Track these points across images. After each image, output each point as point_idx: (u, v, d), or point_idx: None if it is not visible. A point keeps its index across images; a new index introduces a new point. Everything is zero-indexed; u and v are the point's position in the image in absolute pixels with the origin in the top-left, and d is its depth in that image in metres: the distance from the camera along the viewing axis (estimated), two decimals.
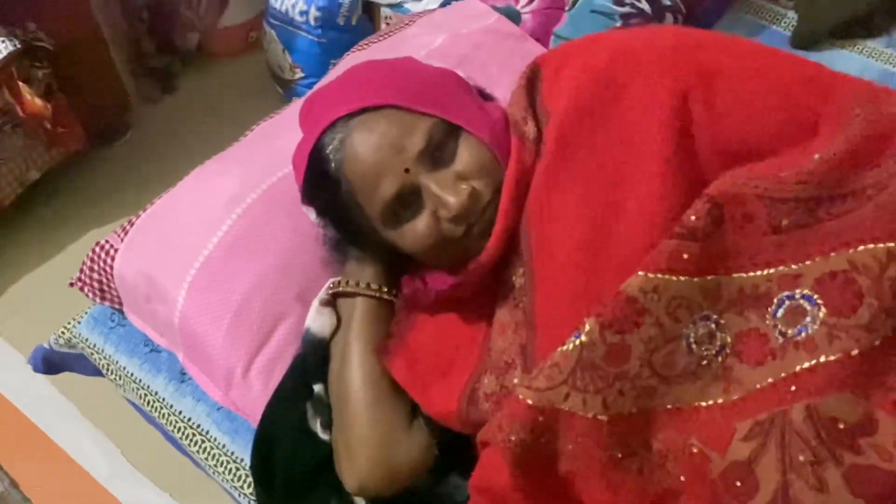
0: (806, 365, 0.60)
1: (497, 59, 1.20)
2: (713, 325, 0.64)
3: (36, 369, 1.17)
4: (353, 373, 0.83)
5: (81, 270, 1.08)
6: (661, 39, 0.78)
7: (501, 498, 0.69)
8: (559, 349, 0.65)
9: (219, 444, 1.00)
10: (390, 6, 1.94)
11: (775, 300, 0.63)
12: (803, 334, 0.61)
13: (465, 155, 0.77)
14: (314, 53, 2.03)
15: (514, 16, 1.36)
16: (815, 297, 0.61)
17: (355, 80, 0.83)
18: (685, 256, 0.64)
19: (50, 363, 1.17)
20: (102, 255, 1.04)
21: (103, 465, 1.60)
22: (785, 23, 1.55)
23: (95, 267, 1.05)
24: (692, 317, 0.64)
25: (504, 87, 0.91)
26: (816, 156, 0.64)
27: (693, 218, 0.65)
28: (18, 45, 1.60)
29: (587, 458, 0.66)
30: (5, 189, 1.87)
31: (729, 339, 0.64)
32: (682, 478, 0.64)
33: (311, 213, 0.97)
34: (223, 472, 0.99)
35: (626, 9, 1.31)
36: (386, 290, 0.86)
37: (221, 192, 1.02)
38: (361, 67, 0.87)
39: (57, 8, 1.79)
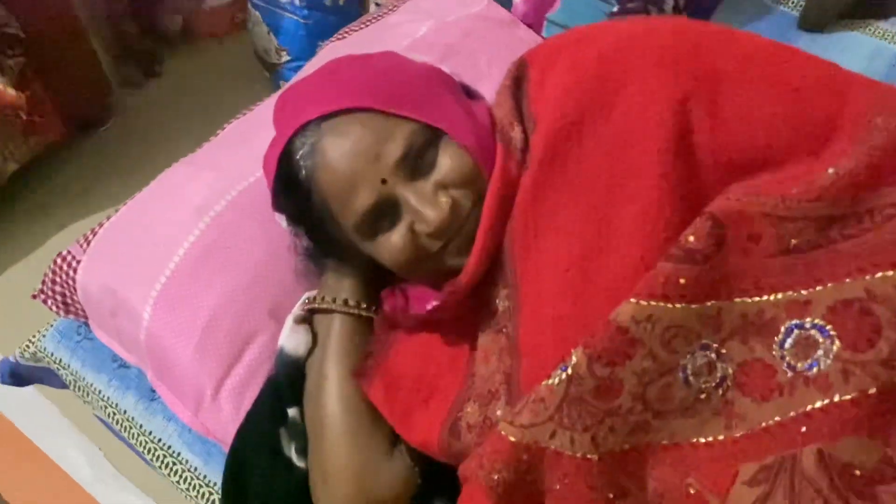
0: (818, 404, 0.55)
1: (486, 50, 1.12)
2: (713, 355, 0.59)
3: (3, 381, 1.12)
4: (330, 396, 0.77)
5: (43, 282, 1.02)
6: (657, 37, 0.69)
7: None
8: (544, 382, 0.60)
9: (191, 466, 0.95)
10: None
11: (783, 328, 0.57)
12: (815, 369, 0.55)
13: (446, 163, 0.71)
14: (300, 35, 1.96)
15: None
16: (829, 327, 0.55)
17: (331, 77, 0.77)
18: (682, 282, 0.58)
19: (17, 376, 1.12)
20: (64, 267, 0.98)
21: (85, 469, 1.56)
22: (792, 3, 1.47)
23: (57, 280, 0.99)
24: (690, 347, 0.58)
25: (494, 81, 0.84)
26: (830, 170, 0.58)
27: (692, 239, 0.58)
28: None
29: (575, 498, 0.61)
30: None
31: (730, 371, 0.58)
32: None
33: (283, 221, 0.91)
34: (195, 497, 0.94)
35: None
36: (365, 306, 0.81)
37: (189, 198, 0.95)
38: (338, 63, 0.80)
39: None
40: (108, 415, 1.02)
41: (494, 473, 0.61)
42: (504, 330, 0.70)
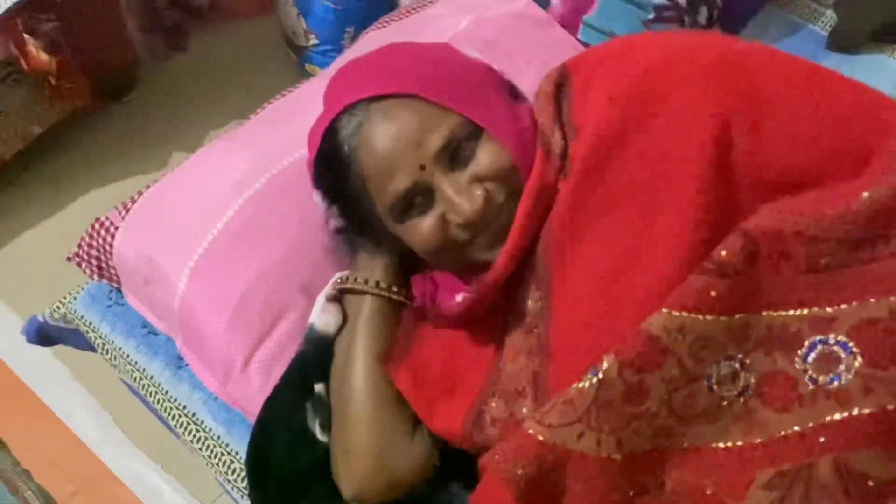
0: (837, 416, 0.57)
1: (524, 48, 1.14)
2: (737, 365, 0.61)
3: (29, 340, 1.14)
4: (357, 376, 0.80)
5: (79, 246, 1.04)
6: (704, 55, 0.71)
7: None
8: (574, 385, 0.62)
9: (213, 434, 0.97)
10: None
11: (806, 343, 0.59)
12: (836, 384, 0.57)
13: (485, 157, 0.74)
14: (329, 20, 1.96)
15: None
16: (851, 344, 0.57)
17: (385, 61, 0.79)
18: (713, 294, 0.60)
19: (44, 335, 1.14)
20: (102, 233, 1.00)
21: (95, 432, 1.59)
22: (823, 21, 1.48)
23: (94, 244, 1.01)
24: (716, 357, 0.61)
25: (531, 81, 0.86)
26: (865, 194, 0.59)
27: (724, 254, 0.60)
28: None
29: (598, 498, 0.63)
30: (7, 143, 1.83)
31: (753, 380, 0.61)
32: None
33: (320, 199, 0.93)
34: (217, 465, 0.96)
35: (661, 0, 1.25)
36: (396, 289, 0.82)
37: (229, 174, 0.97)
38: (395, 49, 0.83)
39: None
40: (135, 379, 1.04)
41: (518, 468, 0.63)
42: (535, 330, 0.72)
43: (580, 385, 0.61)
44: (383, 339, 0.81)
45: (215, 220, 0.93)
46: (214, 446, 0.97)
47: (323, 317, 0.84)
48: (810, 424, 0.58)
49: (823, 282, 0.59)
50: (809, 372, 0.59)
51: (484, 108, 0.75)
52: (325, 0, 1.93)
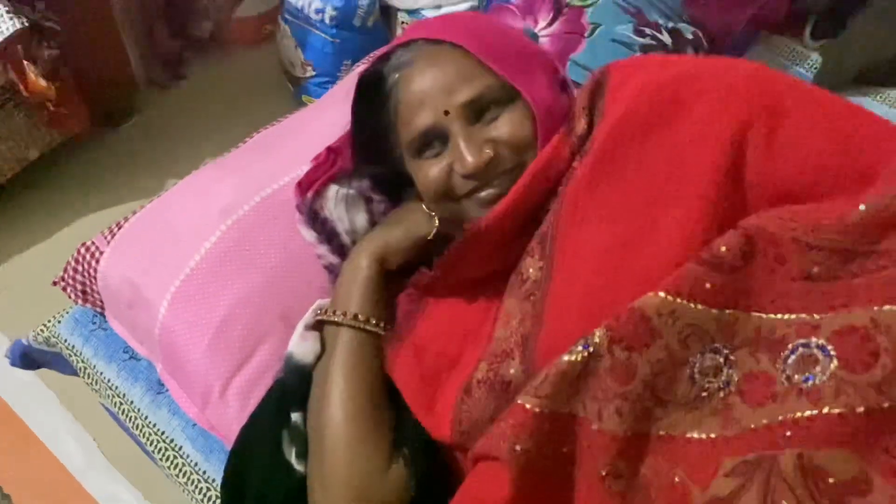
0: (807, 413, 0.58)
1: None
2: (721, 360, 0.62)
3: (13, 364, 1.14)
4: (334, 406, 0.79)
5: (65, 270, 1.04)
6: (734, 72, 0.75)
7: None
8: (565, 357, 0.64)
9: (191, 461, 0.97)
10: (408, 11, 1.91)
11: (790, 346, 0.60)
12: (810, 383, 0.59)
13: (506, 123, 0.79)
14: (327, 52, 2.00)
15: (531, 38, 1.32)
16: (830, 348, 0.59)
17: (451, 17, 0.90)
18: (708, 286, 0.62)
19: (28, 359, 1.14)
20: (87, 257, 1.01)
21: (79, 457, 1.57)
22: (808, 64, 1.51)
23: (79, 268, 1.02)
24: (702, 347, 0.62)
25: None
26: (862, 207, 0.62)
27: (723, 249, 0.63)
28: (25, 24, 1.57)
29: (582, 469, 0.64)
30: (3, 167, 1.84)
31: (735, 378, 0.62)
32: None
33: (306, 233, 0.95)
34: (193, 492, 0.96)
35: (647, 40, 1.28)
36: (374, 321, 0.83)
37: (215, 200, 0.98)
38: (470, 13, 0.94)
39: None
40: (115, 404, 1.04)
41: (518, 444, 0.63)
42: (531, 297, 0.74)
43: (571, 357, 0.63)
44: (360, 369, 0.81)
45: (199, 245, 0.94)
46: (191, 473, 0.97)
47: (301, 345, 0.84)
48: (779, 418, 0.59)
49: (814, 290, 0.61)
50: (786, 371, 0.60)
51: (524, 79, 0.80)
52: (324, 34, 1.97)
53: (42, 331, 1.10)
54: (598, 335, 0.62)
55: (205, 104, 2.25)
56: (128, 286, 0.97)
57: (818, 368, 0.58)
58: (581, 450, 0.64)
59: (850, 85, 1.45)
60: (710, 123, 0.70)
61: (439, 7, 1.85)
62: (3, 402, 1.65)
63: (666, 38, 1.28)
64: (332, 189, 0.94)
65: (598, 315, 0.64)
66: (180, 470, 0.98)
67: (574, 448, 0.64)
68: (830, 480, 0.55)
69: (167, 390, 1.00)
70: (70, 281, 1.04)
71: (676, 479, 0.61)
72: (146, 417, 1.01)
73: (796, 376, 0.59)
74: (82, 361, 1.07)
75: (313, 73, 2.06)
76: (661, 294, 0.62)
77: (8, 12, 1.56)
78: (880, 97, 1.43)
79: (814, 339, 0.59)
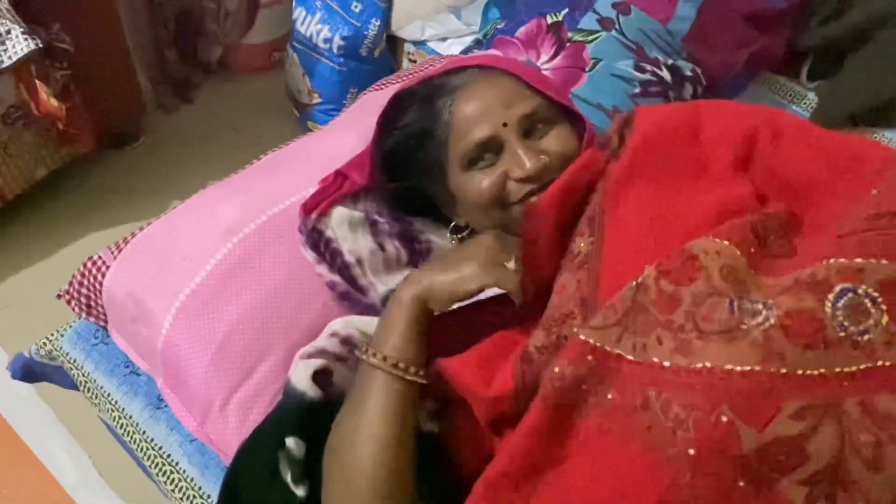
0: (862, 367, 0.60)
1: None
2: (759, 306, 0.63)
3: (14, 376, 1.15)
4: (364, 450, 0.74)
5: (70, 284, 1.06)
6: (746, 106, 0.87)
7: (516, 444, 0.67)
8: (617, 295, 0.67)
9: (187, 476, 0.98)
10: (413, 43, 1.95)
11: (837, 289, 0.62)
12: (865, 337, 0.61)
13: (555, 139, 0.87)
14: (334, 81, 2.04)
15: None
16: (880, 299, 0.61)
17: (492, 54, 0.99)
18: (752, 250, 0.68)
19: (29, 372, 1.15)
20: (93, 271, 1.03)
21: (72, 474, 1.57)
22: (805, 104, 1.55)
23: (85, 282, 1.04)
24: (741, 288, 0.65)
25: None
26: (875, 191, 0.68)
27: (772, 238, 0.70)
28: (40, 45, 1.60)
29: (623, 408, 0.64)
30: (11, 184, 1.86)
31: (773, 317, 0.62)
32: (692, 451, 0.60)
33: (307, 253, 0.96)
34: None
35: (647, 76, 1.31)
36: (412, 369, 0.76)
37: (220, 219, 1.00)
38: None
39: (83, 11, 1.80)
40: (113, 418, 1.05)
41: (557, 367, 0.65)
42: (585, 266, 0.77)
43: (622, 292, 0.67)
44: (394, 416, 0.75)
45: (204, 262, 0.96)
46: (187, 488, 0.97)
47: (296, 372, 0.84)
48: (836, 370, 0.61)
49: (849, 241, 0.65)
50: (840, 318, 0.61)
51: (570, 102, 0.92)
52: (331, 62, 2.01)
53: (44, 344, 1.12)
54: (647, 271, 0.67)
55: (211, 128, 2.28)
56: (132, 301, 0.98)
57: (871, 322, 0.61)
58: (615, 386, 0.65)
59: (845, 125, 1.48)
60: (726, 130, 0.81)
61: (444, 39, 1.88)
62: None
63: (665, 74, 1.32)
64: (338, 210, 0.97)
65: (651, 263, 0.68)
66: (176, 485, 0.98)
67: (614, 389, 0.65)
68: None
69: (166, 406, 1.01)
70: (75, 294, 1.06)
71: (723, 418, 0.60)
72: (144, 432, 1.02)
73: (851, 328, 0.61)
74: (83, 375, 1.08)
75: (319, 101, 2.09)
76: (710, 237, 0.67)
77: (23, 33, 1.59)
78: (875, 138, 1.46)
79: (861, 287, 0.62)
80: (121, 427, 1.04)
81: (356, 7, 1.93)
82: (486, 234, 0.85)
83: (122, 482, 1.54)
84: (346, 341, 0.88)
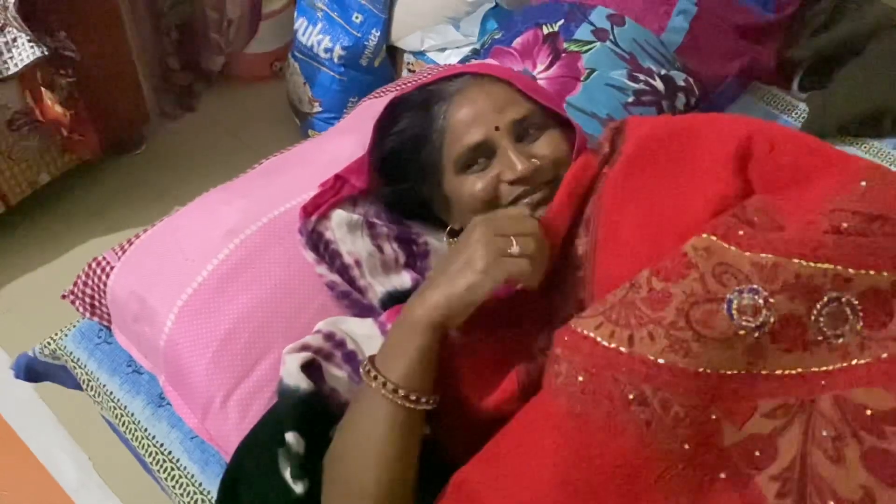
0: (838, 366, 0.64)
1: None
2: (761, 301, 0.66)
3: (17, 376, 1.17)
4: (364, 471, 0.73)
5: (75, 284, 1.08)
6: (738, 116, 0.89)
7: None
8: (611, 293, 0.70)
9: (188, 472, 1.00)
10: (413, 53, 1.98)
11: (825, 297, 0.66)
12: (839, 340, 0.65)
13: (546, 144, 0.90)
14: (334, 90, 2.07)
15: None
16: (859, 307, 0.65)
17: (487, 63, 1.01)
18: (740, 233, 0.69)
19: (32, 371, 1.17)
20: (98, 271, 1.05)
21: (73, 476, 1.59)
22: (796, 114, 1.58)
23: (89, 282, 1.06)
24: (739, 285, 0.66)
25: None
26: (863, 182, 0.70)
27: (756, 219, 0.71)
28: (46, 52, 1.63)
29: (595, 392, 0.66)
30: (14, 189, 1.89)
31: (772, 319, 0.65)
32: (686, 445, 0.64)
33: (307, 254, 0.99)
34: (188, 503, 0.98)
35: (640, 85, 1.34)
36: (419, 399, 0.73)
37: (222, 221, 1.03)
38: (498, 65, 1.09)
39: (88, 20, 1.83)
40: (116, 416, 1.07)
41: (557, 365, 0.69)
42: (581, 267, 0.80)
43: (615, 292, 0.70)
44: (397, 440, 0.73)
45: (206, 262, 0.98)
46: (188, 485, 0.99)
47: (285, 369, 0.85)
48: (813, 369, 0.65)
49: (845, 243, 0.67)
50: (821, 324, 0.65)
51: (562, 110, 0.94)
52: (332, 72, 2.04)
53: (49, 343, 1.14)
54: (643, 273, 0.69)
55: (213, 136, 2.31)
56: (135, 300, 1.01)
57: (847, 327, 0.65)
58: (593, 372, 0.67)
59: (836, 135, 1.51)
60: (721, 136, 0.82)
61: (443, 50, 1.92)
62: (0, 419, 1.67)
63: (658, 84, 1.35)
64: (337, 213, 0.99)
65: (645, 263, 0.70)
66: (177, 481, 1.00)
67: (584, 371, 0.67)
68: (868, 413, 0.61)
69: (167, 404, 1.03)
70: (79, 294, 1.08)
71: (713, 416, 0.64)
72: (146, 430, 1.04)
73: (829, 331, 0.65)
74: (86, 374, 1.10)
75: (320, 109, 2.12)
76: (698, 236, 0.69)
77: (30, 41, 1.62)
78: (864, 147, 1.49)
79: (845, 295, 0.65)
80: (123, 424, 1.06)
81: (357, 18, 1.96)
82: (473, 224, 0.77)
83: (122, 484, 1.56)
84: (329, 337, 0.89)
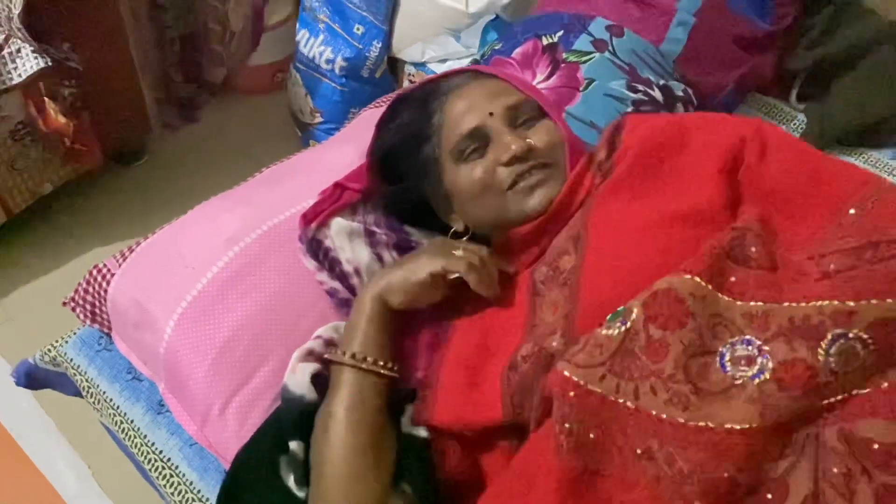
0: (840, 397, 0.63)
1: None
2: (755, 351, 0.65)
3: (18, 383, 1.17)
4: (334, 444, 0.80)
5: (76, 291, 1.09)
6: (731, 117, 0.92)
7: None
8: (603, 331, 0.68)
9: (187, 480, 1.00)
10: (414, 64, 1.99)
11: (829, 335, 0.64)
12: (848, 375, 0.63)
13: (541, 132, 0.92)
14: (335, 101, 2.08)
15: None
16: (870, 341, 0.63)
17: (481, 66, 1.07)
18: (733, 279, 0.68)
19: (33, 378, 1.17)
20: (98, 279, 1.05)
21: (72, 484, 1.59)
22: (794, 124, 1.58)
23: (90, 289, 1.07)
24: (732, 338, 0.66)
25: None
26: (852, 210, 0.70)
27: (753, 250, 0.71)
28: (49, 63, 1.64)
29: (608, 446, 0.66)
30: (17, 199, 1.89)
31: (770, 365, 0.64)
32: (697, 502, 0.63)
33: (307, 261, 0.99)
34: None
35: (639, 95, 1.34)
36: (377, 361, 0.84)
37: (223, 229, 1.04)
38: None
39: (92, 31, 1.84)
40: (115, 423, 1.07)
41: (565, 421, 0.67)
42: (567, 282, 0.80)
43: (608, 332, 0.68)
44: (361, 409, 0.81)
45: (206, 270, 0.99)
46: (186, 491, 0.99)
47: (293, 377, 0.87)
48: (818, 403, 0.63)
49: (839, 282, 0.66)
50: (832, 364, 0.63)
51: (559, 117, 0.97)
52: (333, 83, 2.05)
53: (49, 350, 1.14)
54: (635, 312, 0.67)
55: (215, 147, 2.32)
56: (135, 307, 1.01)
57: (858, 362, 0.63)
58: (603, 428, 0.66)
59: (834, 145, 1.52)
60: (712, 142, 0.84)
61: (444, 61, 1.93)
62: (0, 427, 1.67)
63: (657, 94, 1.35)
64: (337, 221, 1.00)
65: (628, 287, 0.70)
66: (175, 488, 1.00)
67: (595, 427, 0.66)
68: (875, 447, 0.60)
69: (167, 411, 1.04)
70: (80, 301, 1.08)
71: (726, 474, 0.62)
72: (145, 436, 1.04)
73: (840, 370, 0.63)
74: (86, 381, 1.10)
75: (321, 120, 2.13)
76: (696, 278, 0.68)
77: (34, 51, 1.63)
78: (862, 158, 1.50)
79: (853, 331, 0.63)
80: (122, 431, 1.06)
81: (358, 29, 1.98)
82: (430, 241, 0.95)
83: (121, 492, 1.55)
84: (329, 343, 0.90)
